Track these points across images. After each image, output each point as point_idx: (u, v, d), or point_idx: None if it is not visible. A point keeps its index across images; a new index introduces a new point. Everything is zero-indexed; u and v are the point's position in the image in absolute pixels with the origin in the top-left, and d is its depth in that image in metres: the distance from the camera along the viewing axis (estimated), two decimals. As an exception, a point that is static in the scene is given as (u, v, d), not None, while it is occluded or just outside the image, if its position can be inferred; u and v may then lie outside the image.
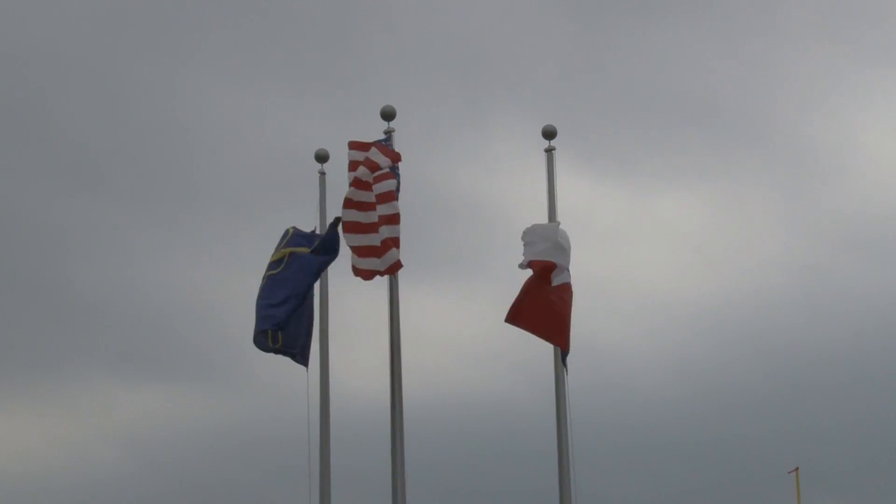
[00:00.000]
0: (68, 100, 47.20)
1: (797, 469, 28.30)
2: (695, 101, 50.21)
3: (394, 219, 19.89)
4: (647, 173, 49.13)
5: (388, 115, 21.22)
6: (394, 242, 19.73)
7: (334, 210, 20.51)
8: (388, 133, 21.14)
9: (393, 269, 19.77)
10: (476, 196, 44.28)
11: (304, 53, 48.22)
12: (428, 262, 36.42)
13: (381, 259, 19.62)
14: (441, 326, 40.09)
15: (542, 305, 19.92)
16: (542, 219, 20.97)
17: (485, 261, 43.18)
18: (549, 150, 21.44)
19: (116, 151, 47.13)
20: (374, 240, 19.65)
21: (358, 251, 19.72)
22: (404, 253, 20.05)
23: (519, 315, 19.91)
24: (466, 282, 42.69)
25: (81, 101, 47.37)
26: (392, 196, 20.08)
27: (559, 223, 20.62)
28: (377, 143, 20.69)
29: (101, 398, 44.83)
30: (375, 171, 20.04)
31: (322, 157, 21.84)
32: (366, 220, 19.64)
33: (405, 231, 20.39)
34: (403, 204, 20.46)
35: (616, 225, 47.81)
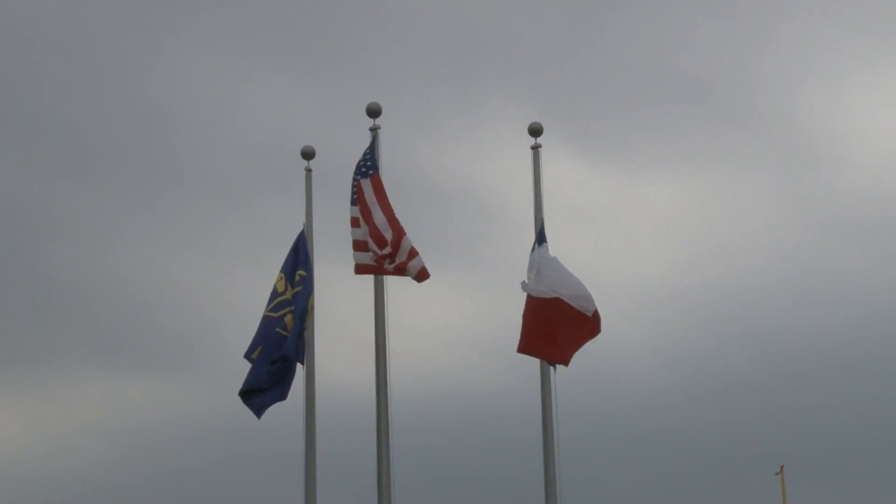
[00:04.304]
0: (49, 81, 46.85)
1: (782, 468, 28.34)
2: (689, 83, 49.99)
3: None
4: (640, 157, 49.00)
5: (373, 111, 21.05)
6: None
7: (321, 206, 20.51)
8: (374, 130, 21.01)
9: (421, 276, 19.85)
10: (466, 181, 44.19)
11: (291, 34, 47.96)
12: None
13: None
14: (427, 315, 39.98)
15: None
16: (531, 208, 20.94)
17: (473, 247, 43.13)
18: (536, 148, 21.30)
19: (100, 135, 46.84)
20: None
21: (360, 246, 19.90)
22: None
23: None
24: (454, 269, 42.58)
25: (64, 82, 47.04)
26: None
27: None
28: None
29: (84, 389, 44.70)
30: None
31: (308, 154, 21.60)
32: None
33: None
34: (390, 188, 20.52)
35: (607, 210, 47.70)
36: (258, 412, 20.25)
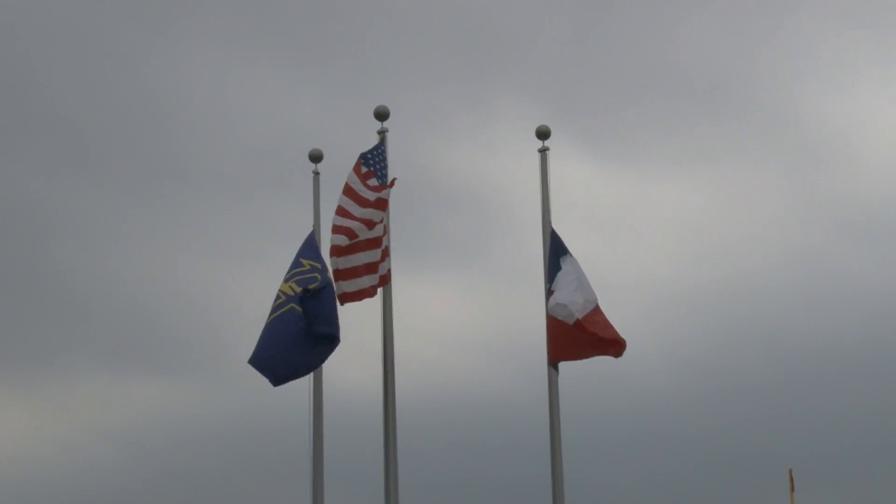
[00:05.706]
0: (50, 77, 46.56)
1: (791, 470, 28.21)
2: (697, 81, 49.69)
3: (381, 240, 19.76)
4: (648, 156, 48.75)
5: (381, 115, 20.94)
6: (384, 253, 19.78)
7: (328, 210, 20.31)
8: (382, 133, 20.85)
9: (383, 282, 19.79)
10: (473, 180, 43.95)
11: (298, 27, 47.68)
12: (422, 249, 36.14)
13: (367, 277, 19.52)
14: (434, 317, 39.80)
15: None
16: (539, 206, 20.78)
17: (480, 248, 42.93)
18: (543, 151, 21.16)
19: (101, 132, 46.55)
20: (355, 261, 19.48)
21: (341, 274, 19.50)
22: (397, 238, 20.17)
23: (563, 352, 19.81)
24: (461, 271, 42.42)
25: (64, 73, 46.70)
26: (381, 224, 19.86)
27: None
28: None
29: (86, 389, 44.51)
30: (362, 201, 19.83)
31: (316, 157, 21.37)
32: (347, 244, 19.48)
33: (399, 216, 20.57)
34: (396, 186, 20.36)
35: (615, 209, 47.48)
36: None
